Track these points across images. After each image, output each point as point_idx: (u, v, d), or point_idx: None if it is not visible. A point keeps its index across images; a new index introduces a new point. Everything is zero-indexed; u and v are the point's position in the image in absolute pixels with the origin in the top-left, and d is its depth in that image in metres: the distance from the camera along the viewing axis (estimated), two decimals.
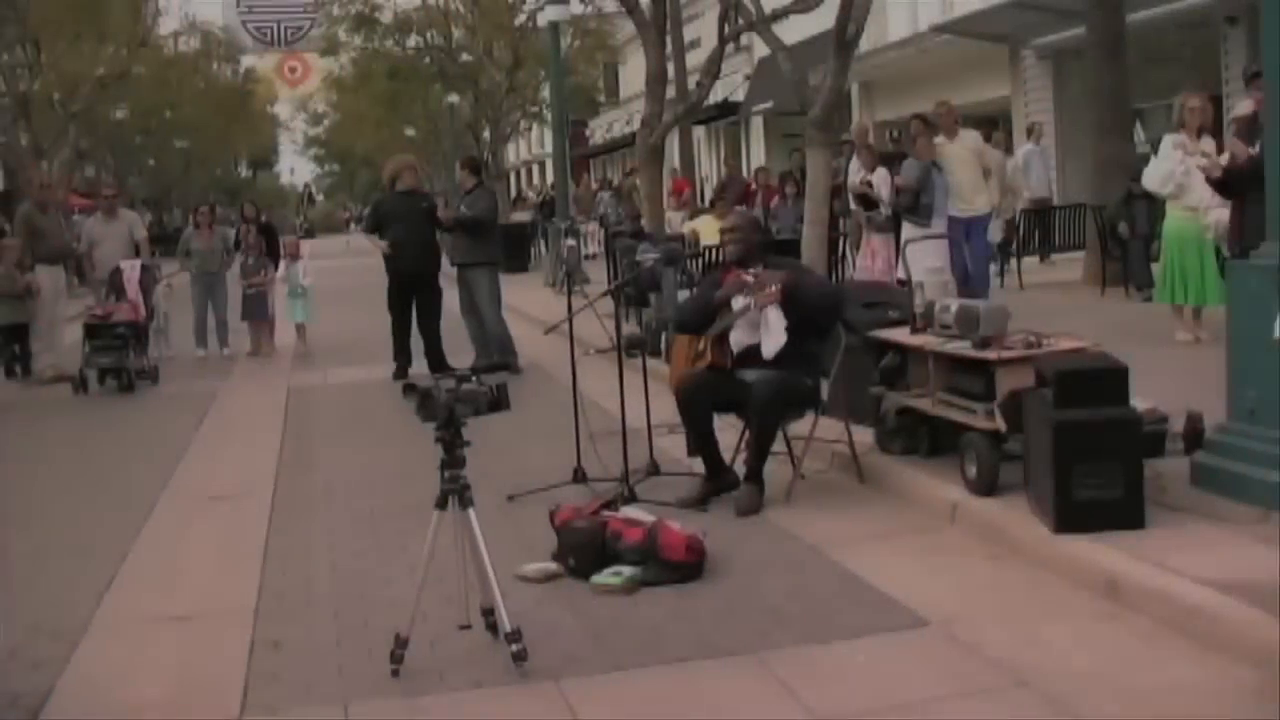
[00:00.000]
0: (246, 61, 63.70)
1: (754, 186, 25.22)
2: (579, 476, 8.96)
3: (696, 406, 8.43)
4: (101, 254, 17.39)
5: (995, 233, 16.47)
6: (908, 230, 14.20)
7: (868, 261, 15.63)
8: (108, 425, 13.63)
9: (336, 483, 10.01)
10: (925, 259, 12.48)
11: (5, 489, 10.27)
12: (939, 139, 14.72)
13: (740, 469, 8.50)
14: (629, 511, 7.56)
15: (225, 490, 10.02)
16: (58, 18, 32.63)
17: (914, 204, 14.40)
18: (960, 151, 14.72)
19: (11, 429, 13.29)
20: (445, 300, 15.41)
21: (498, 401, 5.76)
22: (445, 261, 15.50)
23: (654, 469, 9.03)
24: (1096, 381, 6.85)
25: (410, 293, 15.06)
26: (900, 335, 8.80)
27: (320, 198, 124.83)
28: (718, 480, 8.48)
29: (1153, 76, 22.63)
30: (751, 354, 8.35)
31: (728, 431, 8.81)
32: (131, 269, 16.75)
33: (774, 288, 8.24)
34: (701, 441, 8.50)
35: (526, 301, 20.90)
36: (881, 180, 15.40)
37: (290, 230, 43.98)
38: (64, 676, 6.05)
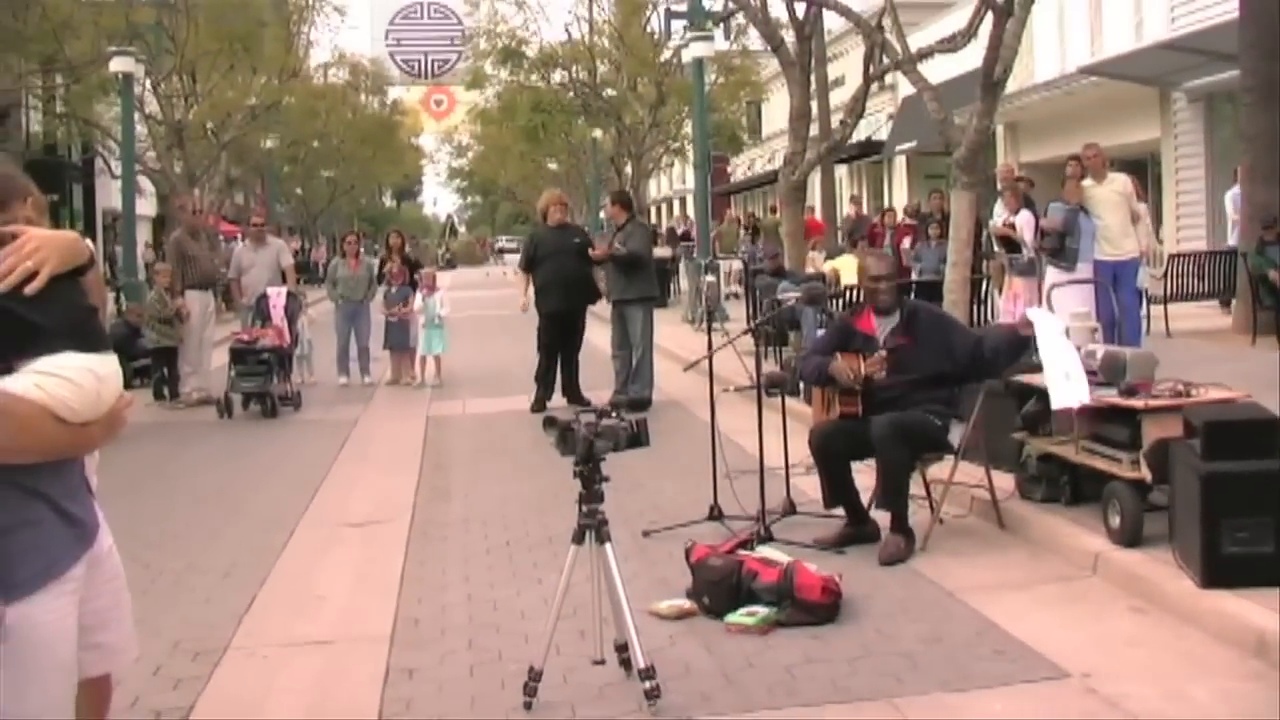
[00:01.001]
0: (393, 93, 64.74)
1: (880, 227, 24.90)
2: (715, 514, 8.96)
3: (831, 456, 8.36)
4: (249, 280, 17.75)
5: (1145, 279, 16.17)
6: (1053, 274, 14.03)
7: (1010, 305, 15.46)
8: (250, 449, 13.88)
9: (474, 513, 10.09)
10: (1070, 304, 12.28)
11: (151, 509, 10.49)
12: (1086, 182, 14.55)
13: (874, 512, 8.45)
14: (765, 551, 7.53)
15: (364, 517, 10.14)
16: (214, 49, 33.44)
17: (1059, 247, 14.22)
18: (1108, 195, 14.53)
19: (158, 450, 13.56)
20: (594, 334, 15.48)
21: (637, 437, 5.77)
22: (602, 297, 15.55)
23: (791, 509, 8.99)
24: (1247, 433, 6.73)
25: (560, 328, 15.14)
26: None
27: (462, 229, 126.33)
28: (859, 528, 8.42)
29: None
30: (884, 400, 8.28)
31: (865, 473, 8.76)
32: (278, 295, 17.05)
33: (880, 353, 8.32)
34: (839, 491, 8.43)
35: (666, 337, 20.93)
36: (1025, 223, 15.23)
37: (431, 261, 44.54)
38: (203, 696, 6.16)
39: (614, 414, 5.87)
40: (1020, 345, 8.40)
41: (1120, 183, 14.81)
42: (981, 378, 8.58)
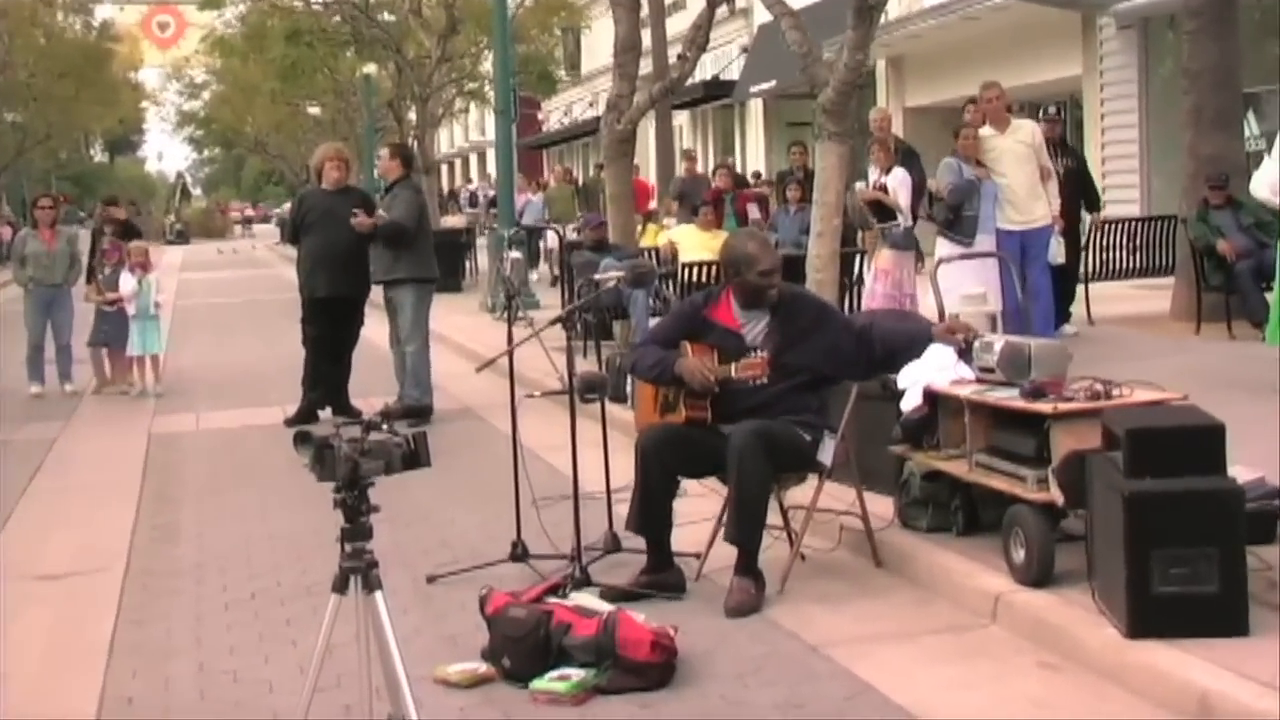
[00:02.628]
0: (102, 13, 63.79)
1: (718, 185, 24.39)
2: (518, 553, 8.94)
3: (659, 466, 8.27)
4: None
5: (1057, 251, 16.43)
6: (943, 247, 14.20)
7: (874, 283, 15.57)
8: None
9: (209, 558, 9.98)
10: (963, 283, 12.43)
11: None
12: (985, 130, 14.70)
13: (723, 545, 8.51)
14: (580, 598, 7.55)
15: (62, 567, 9.96)
16: None
17: (953, 218, 14.37)
18: (1012, 146, 14.69)
19: None
20: (374, 329, 15.38)
21: (415, 456, 5.74)
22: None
23: (614, 544, 9.00)
24: (1182, 443, 6.81)
25: (330, 318, 14.95)
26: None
27: (197, 192, 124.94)
28: (661, 574, 8.37)
29: (1269, 52, 22.55)
30: (743, 407, 8.31)
31: (710, 498, 8.81)
32: None
33: (760, 355, 8.31)
34: (652, 515, 8.33)
35: (457, 329, 20.93)
36: (899, 183, 15.38)
37: (158, 234, 43.92)
38: None
39: (385, 426, 5.84)
40: (925, 344, 8.47)
41: (1026, 131, 14.96)
42: (870, 378, 8.66)
